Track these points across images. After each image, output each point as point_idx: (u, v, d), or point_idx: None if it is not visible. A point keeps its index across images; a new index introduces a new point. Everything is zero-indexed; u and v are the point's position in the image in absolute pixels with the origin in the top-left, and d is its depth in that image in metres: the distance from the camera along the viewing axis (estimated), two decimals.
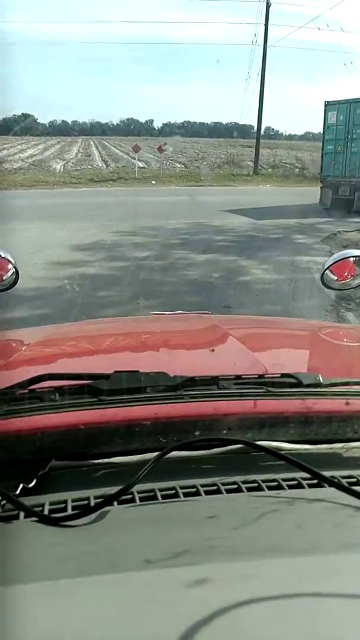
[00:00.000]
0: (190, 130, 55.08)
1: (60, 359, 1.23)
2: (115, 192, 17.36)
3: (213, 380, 0.80)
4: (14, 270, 1.53)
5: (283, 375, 0.83)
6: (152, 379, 0.78)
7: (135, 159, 22.60)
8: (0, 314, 4.21)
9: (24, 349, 1.25)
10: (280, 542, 0.58)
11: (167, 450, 0.69)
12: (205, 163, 27.76)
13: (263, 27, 23.21)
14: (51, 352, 1.28)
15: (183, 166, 26.60)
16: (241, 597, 0.48)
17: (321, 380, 0.82)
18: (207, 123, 63.80)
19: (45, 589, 0.50)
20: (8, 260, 1.52)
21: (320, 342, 1.42)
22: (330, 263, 1.64)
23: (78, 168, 24.57)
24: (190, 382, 0.78)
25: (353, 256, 1.65)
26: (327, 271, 1.65)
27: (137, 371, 0.79)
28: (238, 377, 0.82)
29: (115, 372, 0.78)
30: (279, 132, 46.46)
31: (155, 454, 0.69)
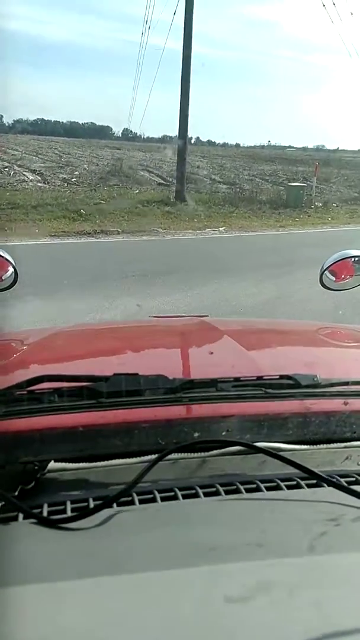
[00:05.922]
0: (44, 129, 45.17)
1: (60, 360, 1.21)
2: None
3: (212, 383, 0.79)
4: (12, 270, 1.48)
5: (281, 376, 0.82)
6: (151, 381, 0.77)
7: None
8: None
9: (23, 349, 1.25)
10: (280, 543, 0.57)
11: (166, 452, 0.68)
12: (77, 173, 15.90)
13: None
14: (51, 353, 1.26)
15: (39, 179, 14.36)
16: (242, 597, 0.48)
17: (319, 381, 0.81)
18: (62, 122, 53.87)
19: (44, 591, 0.50)
20: (7, 260, 1.48)
21: (319, 343, 1.42)
22: (329, 264, 1.60)
23: None
24: (189, 385, 0.77)
25: (352, 256, 1.60)
26: (326, 272, 1.61)
27: (137, 374, 0.77)
28: (236, 379, 0.81)
29: (115, 374, 0.77)
30: (138, 134, 36.20)
31: (154, 456, 0.68)
